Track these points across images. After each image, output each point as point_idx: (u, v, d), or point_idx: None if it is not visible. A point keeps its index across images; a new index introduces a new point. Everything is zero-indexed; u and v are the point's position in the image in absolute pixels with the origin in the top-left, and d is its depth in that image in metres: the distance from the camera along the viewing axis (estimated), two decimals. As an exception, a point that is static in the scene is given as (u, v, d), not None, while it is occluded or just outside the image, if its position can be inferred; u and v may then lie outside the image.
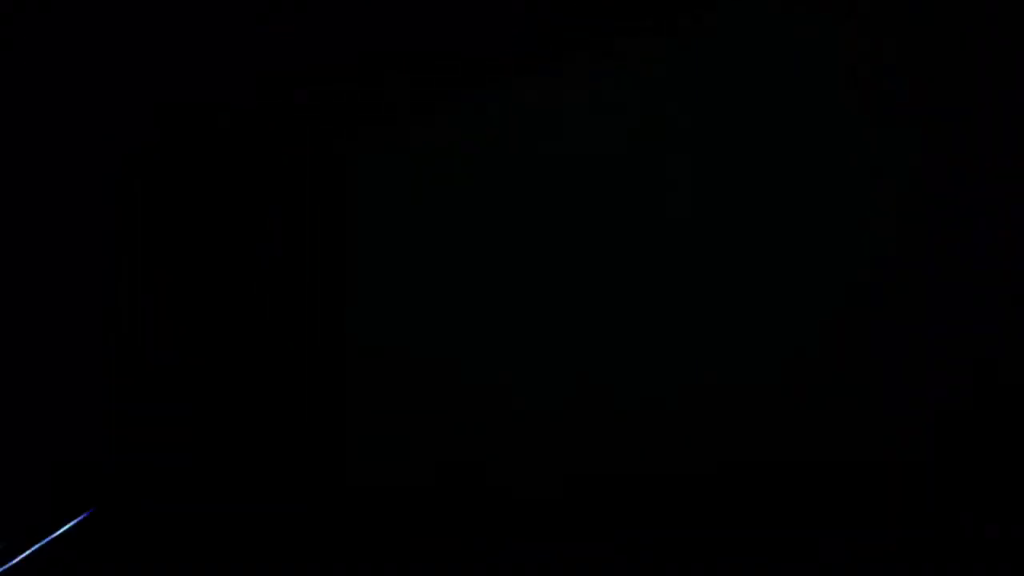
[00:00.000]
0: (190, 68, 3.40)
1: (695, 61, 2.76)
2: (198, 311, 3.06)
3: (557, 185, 2.86)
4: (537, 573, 3.10)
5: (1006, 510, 3.23)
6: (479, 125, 2.99)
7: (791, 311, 2.87)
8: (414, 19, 3.45)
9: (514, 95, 2.95)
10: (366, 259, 3.02)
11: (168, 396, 3.16)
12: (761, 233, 2.83)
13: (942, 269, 2.79)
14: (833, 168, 2.76)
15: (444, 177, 3.00)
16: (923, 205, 2.73)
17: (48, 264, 3.23)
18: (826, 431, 3.03)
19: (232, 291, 3.01)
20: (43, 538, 2.96)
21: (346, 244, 3.07)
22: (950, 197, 2.72)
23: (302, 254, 2.95)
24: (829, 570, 3.08)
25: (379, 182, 3.14)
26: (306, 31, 3.58)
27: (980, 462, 2.99)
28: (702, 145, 2.79)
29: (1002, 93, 2.67)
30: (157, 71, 3.36)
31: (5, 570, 2.83)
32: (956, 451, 3.01)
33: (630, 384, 2.95)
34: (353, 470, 3.16)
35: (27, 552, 2.90)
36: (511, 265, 2.92)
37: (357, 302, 3.02)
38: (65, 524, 2.99)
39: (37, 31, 3.13)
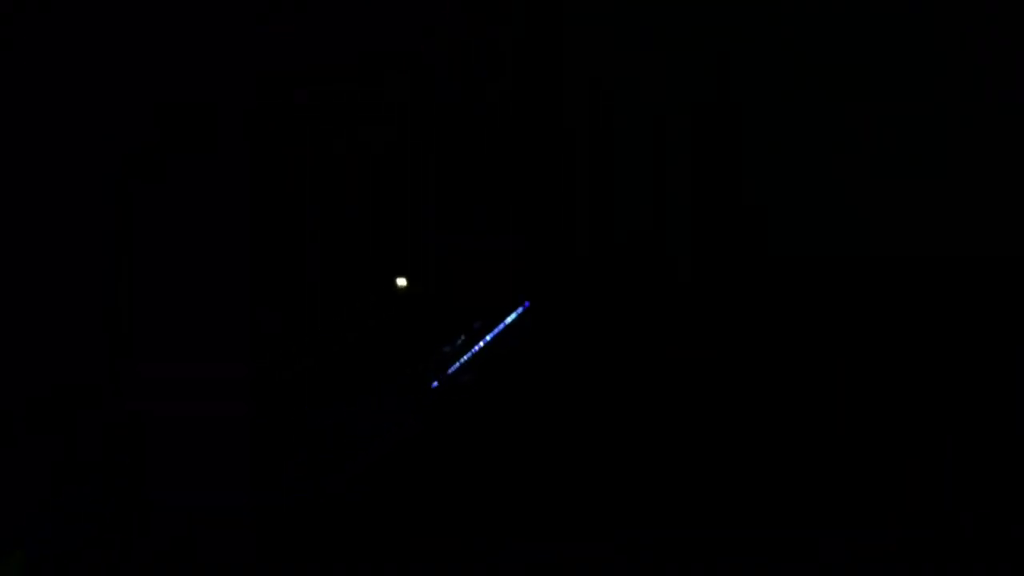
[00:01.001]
0: (190, 68, 3.40)
1: None
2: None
3: None
4: (537, 573, 3.10)
5: (1006, 510, 3.23)
6: None
7: None
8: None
9: None
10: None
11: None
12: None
13: None
14: None
15: None
16: None
17: (48, 264, 3.23)
18: None
19: None
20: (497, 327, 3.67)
21: None
22: None
23: None
24: (829, 570, 3.07)
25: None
26: (306, 31, 3.58)
27: None
28: None
29: None
30: (157, 71, 3.36)
31: (479, 349, 3.61)
32: None
33: None
34: None
35: (494, 331, 3.67)
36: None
37: None
38: (510, 316, 3.68)
39: (37, 31, 3.13)
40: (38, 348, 3.21)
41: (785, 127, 3.70)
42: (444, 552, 3.20)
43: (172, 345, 3.41)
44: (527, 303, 3.65)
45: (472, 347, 3.62)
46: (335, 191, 3.70)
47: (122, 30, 3.30)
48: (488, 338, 3.60)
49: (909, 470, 3.35)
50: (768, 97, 3.70)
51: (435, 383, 3.53)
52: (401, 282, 3.23)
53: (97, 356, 3.34)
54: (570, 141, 3.96)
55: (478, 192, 3.93)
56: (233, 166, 3.44)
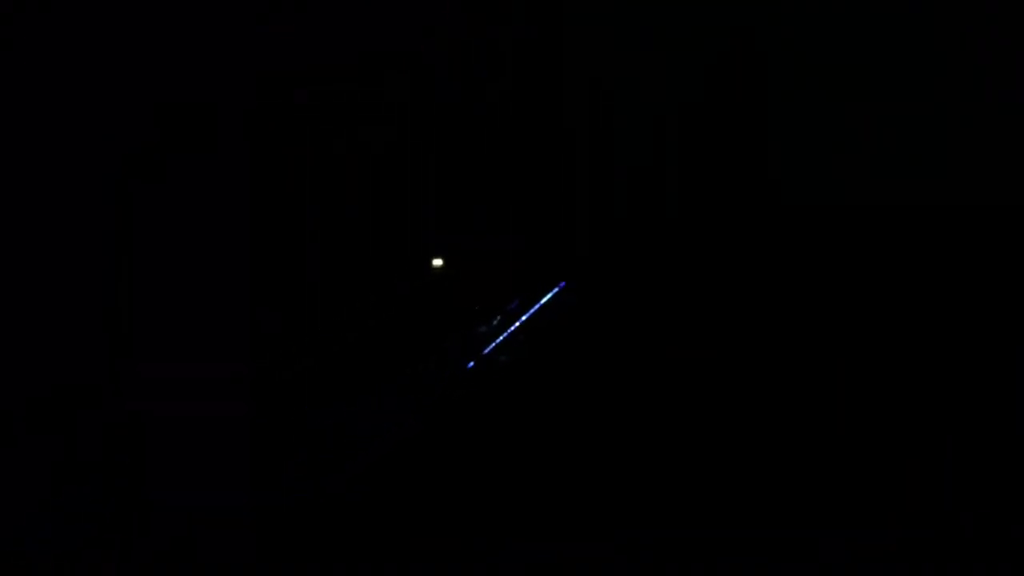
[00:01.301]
0: (190, 68, 3.40)
1: None
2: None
3: None
4: (537, 573, 3.10)
5: (1006, 510, 3.23)
6: None
7: None
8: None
9: None
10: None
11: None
12: None
13: None
14: None
15: None
16: None
17: (48, 264, 3.24)
18: None
19: None
20: (534, 305, 3.75)
21: None
22: None
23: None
24: (829, 570, 3.08)
25: None
26: (306, 31, 3.58)
27: None
28: None
29: None
30: (157, 71, 3.36)
31: (523, 321, 3.70)
32: None
33: None
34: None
35: (530, 312, 3.72)
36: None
37: None
38: (545, 296, 3.77)
39: (37, 31, 3.13)
40: (38, 348, 3.22)
41: (786, 129, 3.70)
42: (444, 552, 3.20)
43: (172, 345, 3.41)
44: (563, 283, 3.67)
45: (507, 328, 3.64)
46: (335, 191, 3.70)
47: (122, 30, 3.30)
48: (524, 318, 3.62)
49: (909, 470, 3.35)
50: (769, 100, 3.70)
51: (471, 363, 3.54)
52: (437, 262, 3.24)
53: (97, 356, 3.34)
54: (570, 141, 3.96)
55: (478, 192, 3.93)
56: (233, 166, 3.44)
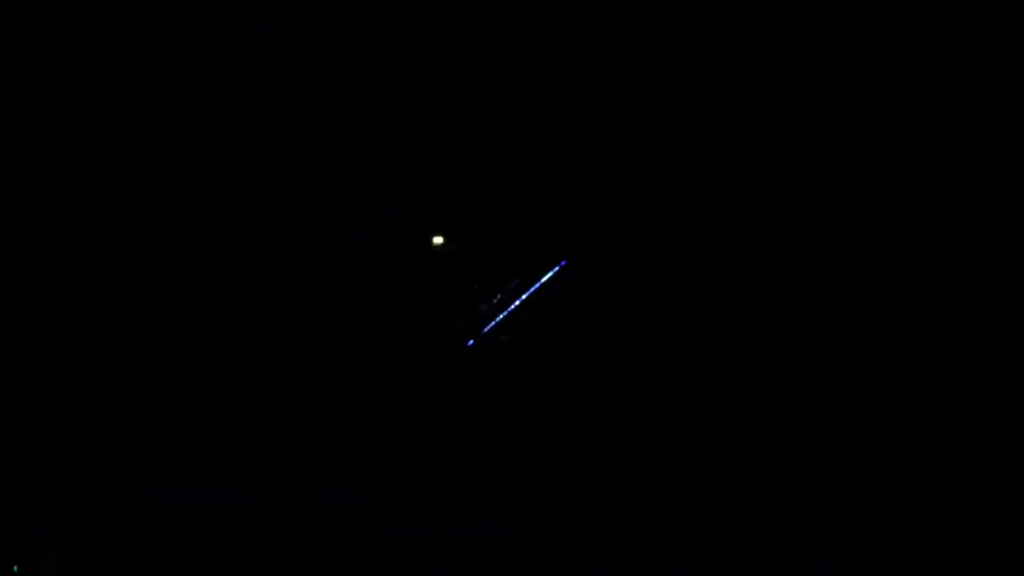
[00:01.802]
0: (190, 68, 3.40)
1: None
2: None
3: None
4: (537, 573, 3.10)
5: (1006, 510, 3.23)
6: None
7: None
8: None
9: None
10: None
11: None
12: None
13: None
14: None
15: None
16: None
17: (48, 264, 3.24)
18: None
19: None
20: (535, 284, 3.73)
21: None
22: None
23: None
24: (829, 570, 3.08)
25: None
26: (306, 31, 3.58)
27: None
28: None
29: None
30: (157, 71, 3.36)
31: (522, 300, 3.70)
32: None
33: None
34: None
35: (530, 291, 3.70)
36: None
37: None
38: (546, 275, 3.72)
39: (37, 31, 3.13)
40: (38, 348, 3.22)
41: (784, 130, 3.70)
42: (444, 551, 3.20)
43: (172, 345, 3.41)
44: (563, 262, 3.65)
45: (507, 306, 3.62)
46: (335, 190, 3.70)
47: (122, 30, 3.30)
48: (524, 297, 3.60)
49: (909, 470, 3.35)
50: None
51: (471, 342, 3.53)
52: (438, 240, 3.22)
53: (97, 356, 3.34)
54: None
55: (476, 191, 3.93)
56: (233, 166, 3.44)
